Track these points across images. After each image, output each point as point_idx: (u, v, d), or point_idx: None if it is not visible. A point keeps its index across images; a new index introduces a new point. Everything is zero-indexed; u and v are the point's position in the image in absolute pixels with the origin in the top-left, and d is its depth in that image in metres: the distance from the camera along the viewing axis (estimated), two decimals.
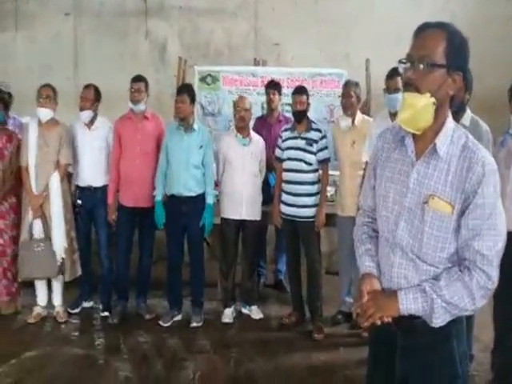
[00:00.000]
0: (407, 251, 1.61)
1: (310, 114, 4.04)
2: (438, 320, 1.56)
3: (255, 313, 4.25)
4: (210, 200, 3.97)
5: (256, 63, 5.56)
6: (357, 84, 3.98)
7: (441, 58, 1.52)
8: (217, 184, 4.17)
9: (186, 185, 3.90)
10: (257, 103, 4.90)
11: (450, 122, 1.60)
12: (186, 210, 3.91)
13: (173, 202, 3.95)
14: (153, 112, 4.18)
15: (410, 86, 1.55)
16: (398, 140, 1.68)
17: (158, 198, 3.96)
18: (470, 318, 3.07)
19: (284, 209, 3.96)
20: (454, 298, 1.53)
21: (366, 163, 3.79)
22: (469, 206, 1.52)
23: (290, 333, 4.01)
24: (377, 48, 5.46)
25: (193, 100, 3.95)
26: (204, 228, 3.98)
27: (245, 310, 4.29)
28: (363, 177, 3.80)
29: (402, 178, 1.63)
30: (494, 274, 1.54)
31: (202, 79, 5.37)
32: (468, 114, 3.12)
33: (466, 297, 1.53)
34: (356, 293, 4.02)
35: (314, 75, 5.31)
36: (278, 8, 6.10)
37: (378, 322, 1.59)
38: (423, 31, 1.57)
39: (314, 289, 4.00)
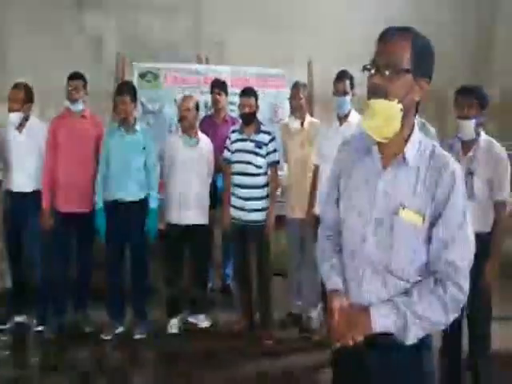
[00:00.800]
0: (376, 265, 1.53)
1: None
2: (411, 336, 1.49)
3: (203, 321, 4.10)
4: (153, 204, 3.78)
5: (199, 61, 5.39)
6: (305, 85, 3.98)
7: (407, 64, 1.47)
8: (161, 187, 3.97)
9: (128, 189, 3.70)
10: (200, 102, 4.76)
11: (416, 130, 1.55)
12: (127, 216, 3.70)
13: (113, 207, 3.73)
14: (91, 111, 3.93)
15: (377, 93, 1.48)
16: (363, 149, 1.60)
17: (100, 204, 3.73)
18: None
19: (233, 212, 3.85)
20: (428, 313, 1.47)
21: (316, 166, 3.76)
22: (440, 216, 1.48)
23: (239, 340, 3.89)
24: (319, 50, 5.46)
25: (134, 99, 3.75)
26: (147, 234, 3.78)
27: (192, 319, 4.13)
28: (313, 182, 3.77)
29: (370, 188, 1.55)
30: (466, 285, 1.49)
31: (142, 76, 5.15)
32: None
33: (440, 311, 1.47)
34: (308, 296, 4.00)
35: (258, 75, 5.25)
36: (220, 4, 5.96)
37: (351, 343, 1.50)
38: (388, 36, 1.51)
39: (264, 293, 3.91)
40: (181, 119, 3.82)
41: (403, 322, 1.47)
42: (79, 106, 3.79)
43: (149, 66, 5.20)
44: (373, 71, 1.50)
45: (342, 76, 3.56)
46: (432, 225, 1.49)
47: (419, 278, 1.52)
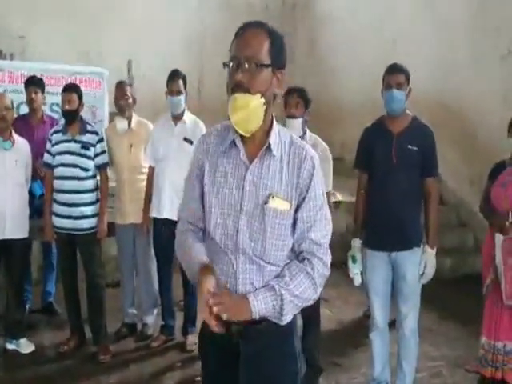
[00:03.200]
0: (250, 255, 1.56)
1: None
2: (287, 316, 1.56)
3: (25, 346, 3.62)
4: None
5: (2, 56, 4.80)
6: (130, 85, 3.83)
7: (266, 58, 1.53)
8: None
9: None
10: None
11: (274, 121, 1.62)
12: None
13: None
14: None
15: (240, 88, 1.51)
16: (226, 143, 1.61)
17: None
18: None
19: (58, 222, 3.49)
20: (300, 290, 1.55)
21: (151, 168, 3.65)
22: (304, 199, 1.57)
23: (70, 360, 3.56)
24: (137, 48, 5.35)
25: None
26: None
27: (11, 346, 3.63)
28: (148, 185, 3.65)
29: (237, 181, 1.57)
30: (329, 260, 1.62)
31: None
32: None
33: (310, 286, 1.56)
34: (144, 303, 3.85)
35: (72, 73, 4.90)
36: None
37: (220, 330, 1.46)
38: (245, 31, 1.55)
39: (97, 306, 3.63)
40: None
41: (280, 303, 1.52)
42: None
43: None
44: (234, 66, 1.51)
45: (175, 75, 3.52)
46: (297, 208, 1.58)
47: (288, 261, 1.61)
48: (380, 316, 3.02)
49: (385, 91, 2.83)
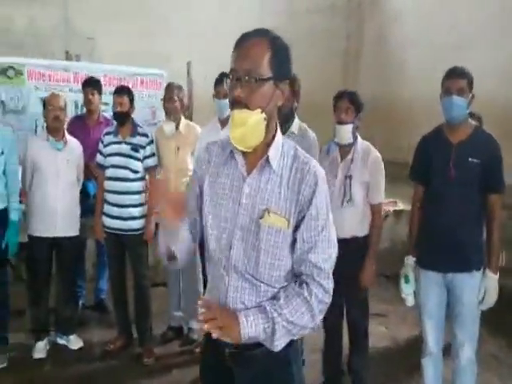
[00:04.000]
0: (243, 272, 1.49)
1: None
2: (279, 341, 1.46)
3: (74, 342, 3.72)
4: (14, 216, 3.34)
5: (68, 57, 4.98)
6: (180, 87, 3.78)
7: (267, 70, 1.45)
8: (23, 196, 3.52)
9: None
10: (71, 101, 4.41)
11: (279, 133, 1.55)
12: None
13: None
14: None
15: (239, 104, 1.44)
16: (226, 154, 1.56)
17: None
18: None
19: (108, 222, 3.54)
20: (295, 316, 1.45)
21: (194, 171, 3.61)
22: (303, 218, 1.48)
23: (116, 360, 3.60)
24: (198, 51, 5.35)
25: None
26: (7, 249, 3.34)
27: (61, 341, 3.73)
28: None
29: (234, 194, 1.52)
30: (331, 286, 1.51)
31: (2, 72, 4.62)
32: (296, 122, 3.12)
33: (307, 313, 1.46)
34: (189, 307, 3.82)
35: (133, 74, 5.00)
36: None
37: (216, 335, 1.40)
38: (244, 42, 1.47)
39: (143, 307, 3.66)
40: (52, 119, 3.42)
41: (272, 326, 1.43)
42: None
43: (10, 61, 4.68)
44: (233, 80, 1.46)
45: (223, 78, 3.45)
46: (297, 227, 1.48)
47: (286, 284, 1.51)
48: (433, 341, 2.79)
49: (444, 97, 2.57)
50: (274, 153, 1.50)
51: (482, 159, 2.54)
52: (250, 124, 1.44)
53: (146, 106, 5.00)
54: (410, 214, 2.91)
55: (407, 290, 2.83)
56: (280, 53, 1.47)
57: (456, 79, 2.54)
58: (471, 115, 2.79)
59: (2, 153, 3.28)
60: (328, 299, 1.50)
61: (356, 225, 2.97)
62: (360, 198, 2.97)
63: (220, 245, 1.52)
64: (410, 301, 2.85)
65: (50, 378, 3.33)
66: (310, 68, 5.16)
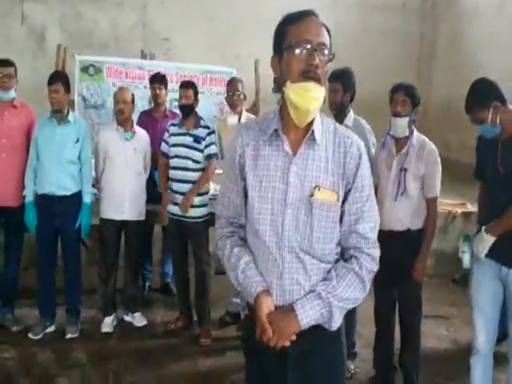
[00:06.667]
0: (297, 251, 1.50)
1: (200, 112, 3.85)
2: (337, 322, 1.51)
3: (138, 320, 3.98)
4: (86, 199, 3.64)
5: (143, 56, 5.30)
6: (241, 81, 3.92)
7: (330, 52, 1.48)
8: (96, 181, 3.83)
9: (60, 183, 3.54)
10: (145, 97, 4.69)
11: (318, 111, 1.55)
12: (59, 211, 3.54)
13: (44, 201, 3.57)
14: (22, 101, 3.76)
15: (315, 76, 1.42)
16: (268, 134, 1.53)
17: (29, 198, 3.57)
18: (352, 314, 3.11)
19: (172, 209, 3.74)
20: (349, 292, 1.49)
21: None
22: (350, 190, 1.51)
23: (176, 339, 3.81)
24: (265, 48, 5.46)
25: (67, 89, 3.60)
26: (80, 230, 3.65)
27: (127, 318, 4.00)
28: None
29: (280, 174, 1.51)
30: (378, 254, 1.54)
31: (84, 69, 5.00)
32: (350, 116, 3.14)
33: (359, 285, 1.50)
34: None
35: (203, 72, 5.21)
36: (167, 1, 5.89)
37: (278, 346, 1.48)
38: (313, 17, 1.47)
39: (202, 291, 3.83)
40: (118, 111, 3.70)
41: (329, 310, 1.47)
42: (11, 95, 3.62)
43: (91, 59, 5.06)
44: (310, 50, 1.42)
45: None
46: (344, 200, 1.51)
47: (336, 257, 1.55)
48: (483, 339, 2.69)
49: None
50: (317, 128, 1.50)
51: None
52: (321, 100, 1.45)
53: (215, 102, 5.19)
54: (478, 200, 2.91)
55: (464, 248, 2.78)
56: (330, 35, 1.49)
57: None
58: None
59: (78, 140, 3.59)
60: (376, 267, 1.54)
61: (410, 218, 2.96)
62: (415, 192, 2.95)
63: (271, 227, 1.50)
64: (466, 259, 2.77)
65: (115, 350, 3.59)
66: (382, 68, 5.11)
